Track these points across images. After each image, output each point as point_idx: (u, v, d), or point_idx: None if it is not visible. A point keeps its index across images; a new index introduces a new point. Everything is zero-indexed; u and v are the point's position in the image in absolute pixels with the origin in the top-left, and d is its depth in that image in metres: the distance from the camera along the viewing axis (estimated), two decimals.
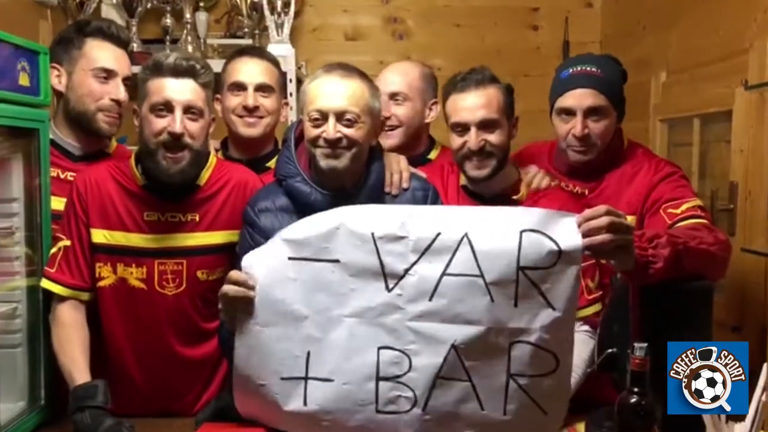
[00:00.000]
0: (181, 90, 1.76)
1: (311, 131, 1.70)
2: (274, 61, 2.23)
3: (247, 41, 3.19)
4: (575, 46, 3.38)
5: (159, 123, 1.75)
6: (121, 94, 2.00)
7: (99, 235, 1.80)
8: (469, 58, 3.29)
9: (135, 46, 3.09)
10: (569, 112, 1.94)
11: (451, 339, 1.43)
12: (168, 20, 3.20)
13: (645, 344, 1.30)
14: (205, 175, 1.86)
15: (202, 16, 3.21)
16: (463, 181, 1.96)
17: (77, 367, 1.71)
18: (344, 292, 1.47)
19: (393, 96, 2.24)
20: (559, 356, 1.44)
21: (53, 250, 1.81)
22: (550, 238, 1.41)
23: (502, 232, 1.43)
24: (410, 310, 1.45)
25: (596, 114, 1.92)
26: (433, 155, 2.32)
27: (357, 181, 1.74)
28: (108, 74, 1.98)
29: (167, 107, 1.75)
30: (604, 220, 1.40)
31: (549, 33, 3.45)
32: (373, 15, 3.45)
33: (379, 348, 1.46)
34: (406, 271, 1.45)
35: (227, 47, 3.18)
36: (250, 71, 2.15)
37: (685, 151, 2.54)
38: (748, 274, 2.03)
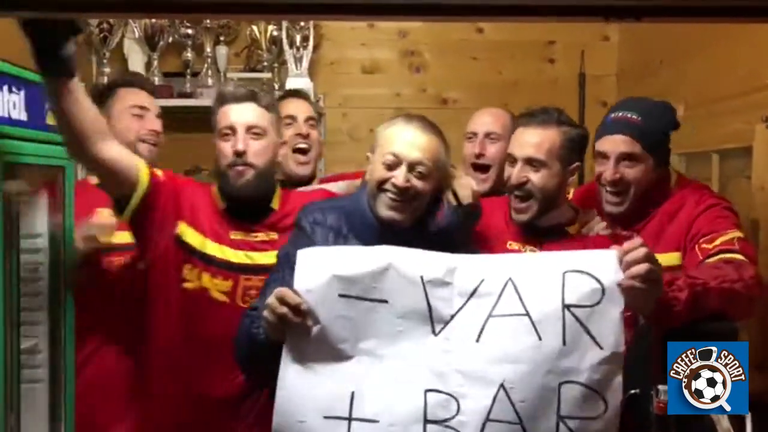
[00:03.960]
0: (242, 113, 1.92)
1: (381, 173, 1.70)
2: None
3: (267, 75, 3.24)
4: (591, 80, 3.40)
5: (226, 146, 1.91)
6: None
7: (191, 235, 1.90)
8: (485, 91, 3.34)
9: (156, 79, 3.14)
10: (604, 156, 1.96)
11: (500, 379, 1.42)
12: (189, 54, 3.26)
13: None
14: (276, 201, 1.99)
15: (222, 50, 3.27)
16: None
17: None
18: (391, 334, 1.47)
19: (488, 135, 2.31)
20: (608, 399, 1.43)
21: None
22: (593, 277, 1.42)
23: (546, 274, 1.45)
24: (457, 353, 1.45)
25: (629, 160, 1.93)
26: None
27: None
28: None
29: (232, 130, 1.91)
30: (641, 252, 1.42)
31: (565, 66, 3.47)
32: (391, 48, 3.49)
33: (426, 390, 1.45)
34: (453, 316, 1.46)
35: (247, 81, 3.23)
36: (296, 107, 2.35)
37: None
38: None
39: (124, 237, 1.98)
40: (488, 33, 3.46)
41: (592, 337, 1.42)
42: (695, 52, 2.66)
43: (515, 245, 1.91)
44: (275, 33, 3.24)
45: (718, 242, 1.80)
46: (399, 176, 1.67)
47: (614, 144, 1.95)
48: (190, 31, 3.25)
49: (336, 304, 1.47)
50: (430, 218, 1.75)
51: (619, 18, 1.17)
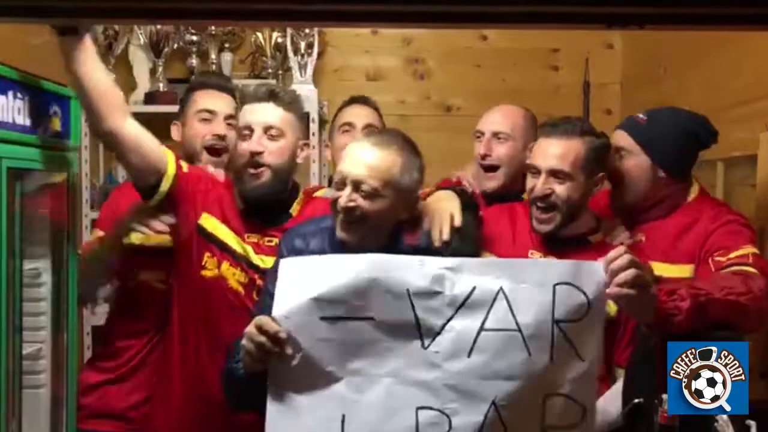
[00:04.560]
0: (261, 113, 1.90)
1: (334, 192, 1.66)
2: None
3: (271, 82, 3.24)
4: (596, 87, 3.41)
5: (243, 146, 1.89)
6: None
7: (213, 225, 1.91)
8: (489, 98, 3.31)
9: (161, 86, 3.16)
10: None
11: (492, 396, 1.41)
12: (194, 60, 3.28)
13: None
14: (296, 207, 1.97)
15: (227, 57, 3.29)
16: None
17: None
18: (379, 351, 1.44)
19: (495, 135, 2.27)
20: (587, 407, 1.44)
21: None
22: (581, 290, 1.42)
23: (537, 286, 1.43)
24: (448, 367, 1.42)
25: (623, 151, 1.98)
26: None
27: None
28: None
29: (250, 130, 1.90)
30: (626, 258, 1.42)
31: (569, 74, 3.47)
32: (395, 55, 3.50)
33: (418, 408, 1.42)
34: (443, 327, 1.43)
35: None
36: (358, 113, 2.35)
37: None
38: None
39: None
40: (492, 40, 3.46)
41: (576, 351, 1.42)
42: (699, 60, 2.65)
43: (537, 254, 1.90)
44: (280, 40, 3.25)
45: (732, 255, 1.78)
46: (343, 196, 1.61)
47: (615, 137, 2.00)
48: (195, 38, 3.26)
49: (318, 328, 1.43)
50: (401, 241, 1.68)
51: (622, 26, 1.17)
